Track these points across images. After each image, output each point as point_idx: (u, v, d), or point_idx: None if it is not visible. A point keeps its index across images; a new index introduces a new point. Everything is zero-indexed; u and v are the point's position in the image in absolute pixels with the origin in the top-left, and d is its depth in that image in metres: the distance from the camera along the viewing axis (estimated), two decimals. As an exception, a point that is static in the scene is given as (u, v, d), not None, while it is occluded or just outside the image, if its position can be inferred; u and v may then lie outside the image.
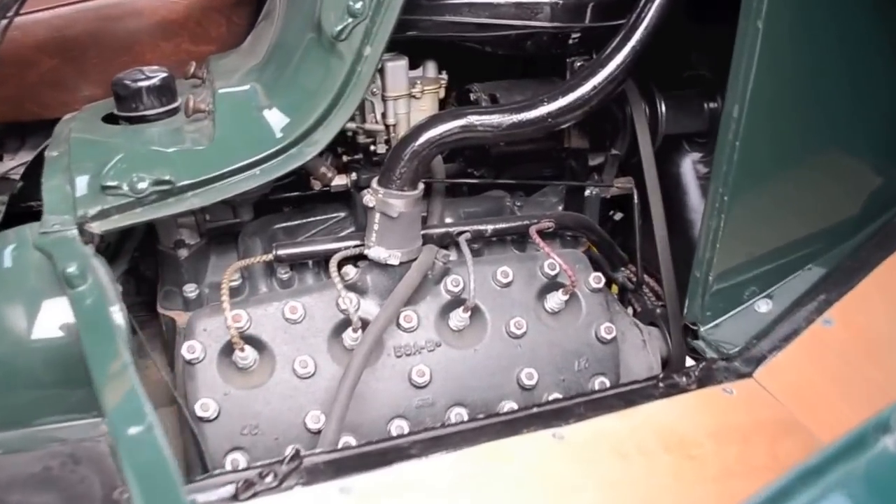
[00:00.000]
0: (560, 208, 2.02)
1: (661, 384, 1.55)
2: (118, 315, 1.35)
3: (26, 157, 2.19)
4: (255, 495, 1.29)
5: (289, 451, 1.34)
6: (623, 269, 2.00)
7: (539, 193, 2.05)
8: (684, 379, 1.56)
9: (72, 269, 1.30)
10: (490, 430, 1.43)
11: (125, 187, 1.49)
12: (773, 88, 1.53)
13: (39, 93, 2.07)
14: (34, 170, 1.96)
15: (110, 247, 1.78)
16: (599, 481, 1.34)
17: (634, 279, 1.98)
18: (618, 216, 2.21)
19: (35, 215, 1.91)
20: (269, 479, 1.31)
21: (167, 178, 1.49)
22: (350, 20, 1.46)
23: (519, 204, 1.98)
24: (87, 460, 1.37)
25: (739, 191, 1.59)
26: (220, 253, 1.85)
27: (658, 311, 1.94)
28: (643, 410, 1.48)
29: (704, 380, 1.56)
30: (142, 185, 1.49)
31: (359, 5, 1.44)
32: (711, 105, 1.96)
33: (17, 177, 2.12)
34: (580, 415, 1.47)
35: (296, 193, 1.88)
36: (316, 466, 1.35)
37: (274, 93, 1.59)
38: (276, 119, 1.57)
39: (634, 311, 2.02)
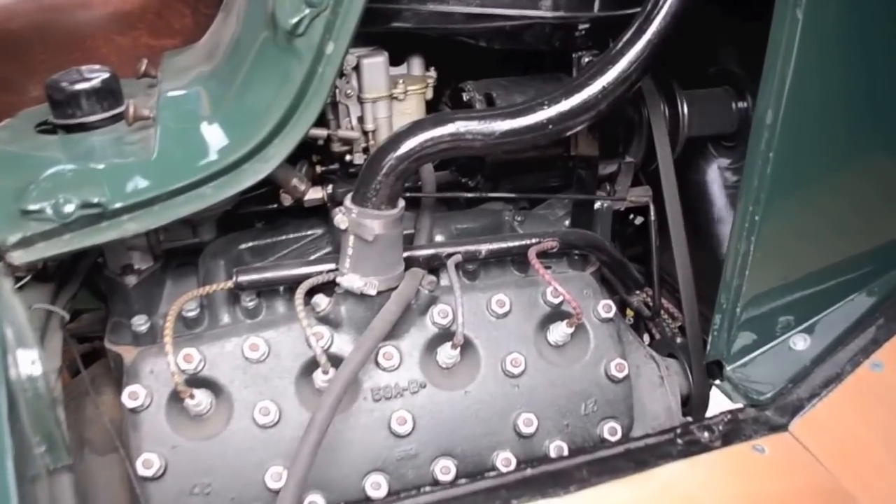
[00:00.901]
0: (566, 223, 1.74)
1: (679, 440, 1.29)
2: (28, 368, 1.12)
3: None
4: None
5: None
6: (639, 292, 1.73)
7: (543, 206, 1.77)
8: (707, 434, 1.30)
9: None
10: (476, 500, 1.18)
11: (49, 211, 1.24)
12: (814, 90, 1.28)
13: (-19, 94, 1.82)
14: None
15: (62, 266, 1.54)
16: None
17: (651, 304, 1.71)
18: (638, 220, 1.93)
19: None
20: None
21: (96, 200, 1.24)
22: (307, 11, 1.19)
23: (520, 218, 1.70)
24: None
25: (773, 210, 1.33)
26: (178, 278, 1.59)
27: (679, 340, 1.67)
28: (659, 476, 1.22)
29: (731, 435, 1.30)
30: (68, 209, 1.24)
31: (317, -7, 1.18)
32: (741, 104, 1.69)
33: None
34: (583, 480, 1.22)
35: (266, 208, 1.63)
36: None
37: (221, 101, 1.33)
38: (216, 135, 1.30)
39: (651, 339, 1.75)
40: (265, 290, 1.51)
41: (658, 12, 1.33)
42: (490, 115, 1.35)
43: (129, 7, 1.81)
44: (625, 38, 1.36)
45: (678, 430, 1.30)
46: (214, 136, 1.29)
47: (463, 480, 1.26)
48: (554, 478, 1.22)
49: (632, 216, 1.93)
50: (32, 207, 1.23)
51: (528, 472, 1.24)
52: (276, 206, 1.58)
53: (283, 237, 1.63)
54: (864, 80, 1.29)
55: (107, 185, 1.26)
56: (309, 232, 1.64)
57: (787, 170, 1.31)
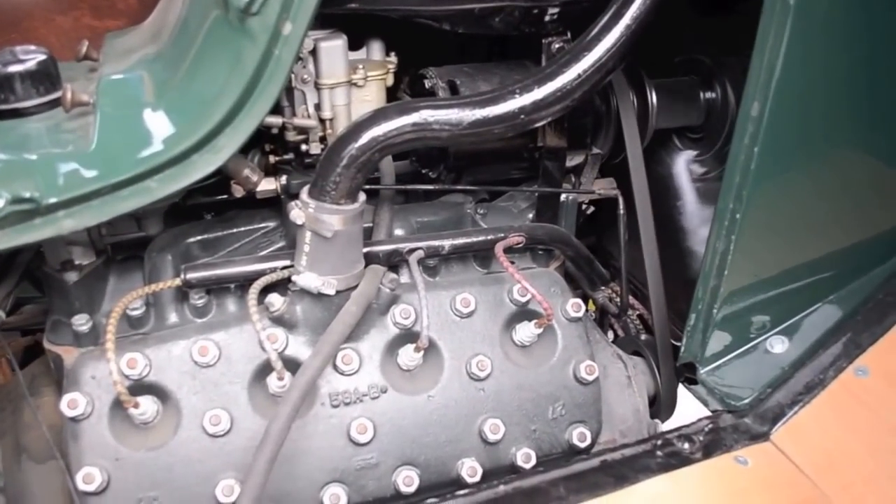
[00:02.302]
0: (530, 216, 1.57)
1: (658, 452, 1.14)
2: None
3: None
4: None
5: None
6: (604, 288, 1.57)
7: (504, 198, 1.59)
8: (687, 445, 1.15)
9: None
10: (444, 523, 1.02)
11: None
12: (804, 82, 1.12)
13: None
14: None
15: (-1, 260, 1.33)
16: None
17: (618, 300, 1.55)
18: (590, 210, 1.76)
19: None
20: None
21: (28, 195, 1.04)
22: (262, -13, 1.00)
23: (482, 211, 1.53)
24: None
25: (755, 207, 1.19)
26: (122, 273, 1.39)
27: (643, 337, 1.52)
28: (640, 492, 1.07)
29: (711, 445, 1.15)
30: (-4, 203, 1.03)
31: (273, -32, 0.99)
32: (709, 95, 1.54)
33: None
34: (561, 498, 1.07)
35: (216, 199, 1.43)
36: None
37: (167, 86, 1.12)
38: (161, 123, 1.09)
39: (615, 336, 1.59)
40: (215, 288, 1.32)
41: (636, -4, 1.17)
42: (458, 104, 1.18)
43: (69, -15, 1.58)
44: (601, 23, 1.19)
45: (657, 442, 1.15)
46: (159, 125, 1.09)
47: (432, 500, 1.08)
48: (529, 496, 1.06)
49: (584, 206, 1.76)
50: (-43, 202, 1.03)
51: (501, 488, 1.08)
52: (226, 197, 1.39)
53: (234, 230, 1.43)
54: (855, 74, 1.15)
55: (40, 177, 1.06)
56: (261, 225, 1.45)
57: (772, 165, 1.16)
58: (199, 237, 1.41)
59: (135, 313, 1.29)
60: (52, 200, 1.06)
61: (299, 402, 1.13)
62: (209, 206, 1.46)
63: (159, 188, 1.08)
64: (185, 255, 1.38)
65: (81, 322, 1.30)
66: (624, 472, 1.10)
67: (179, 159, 1.07)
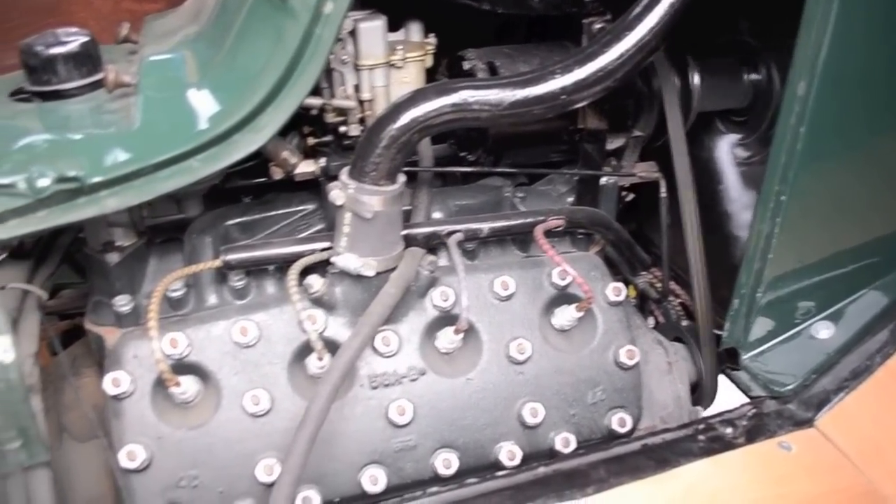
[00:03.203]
0: (569, 200, 1.58)
1: (700, 437, 1.15)
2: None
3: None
4: None
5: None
6: (644, 273, 1.57)
7: (544, 181, 1.60)
8: (730, 430, 1.16)
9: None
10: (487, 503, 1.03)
11: (22, 185, 1.06)
12: (852, 60, 1.12)
13: (-48, 62, 1.62)
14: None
15: (40, 242, 1.37)
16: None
17: (659, 286, 1.55)
18: (629, 198, 1.76)
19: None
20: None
21: (73, 174, 1.07)
22: (304, -35, 1.02)
23: (521, 195, 1.54)
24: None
25: (801, 189, 1.19)
26: (163, 255, 1.42)
27: (684, 323, 1.52)
28: (682, 476, 1.08)
29: (755, 431, 1.16)
30: (42, 183, 1.06)
31: (315, -52, 1.01)
32: (753, 77, 1.52)
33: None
34: (601, 480, 1.07)
35: (255, 181, 1.45)
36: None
37: (209, 65, 1.15)
38: (216, 93, 1.12)
39: (656, 322, 1.60)
40: (254, 270, 1.35)
41: (682, -27, 1.17)
42: (499, 84, 1.19)
43: (111, -31, 1.62)
44: (644, 2, 1.19)
45: (699, 426, 1.15)
46: (202, 104, 1.12)
47: (472, 480, 1.10)
48: (569, 478, 1.07)
49: (623, 193, 1.76)
50: (3, 181, 1.06)
51: (541, 470, 1.09)
52: (265, 180, 1.41)
53: (273, 213, 1.46)
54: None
55: (85, 157, 1.09)
56: (299, 207, 1.47)
57: (818, 147, 1.16)
58: (237, 220, 1.43)
59: (175, 294, 1.32)
60: (96, 180, 1.09)
61: (339, 382, 1.15)
62: (247, 189, 1.49)
63: (201, 168, 1.11)
64: (224, 238, 1.40)
65: (123, 303, 1.34)
66: (665, 455, 1.11)
67: (222, 139, 1.09)
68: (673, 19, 1.18)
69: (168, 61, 1.17)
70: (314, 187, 1.46)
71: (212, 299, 1.36)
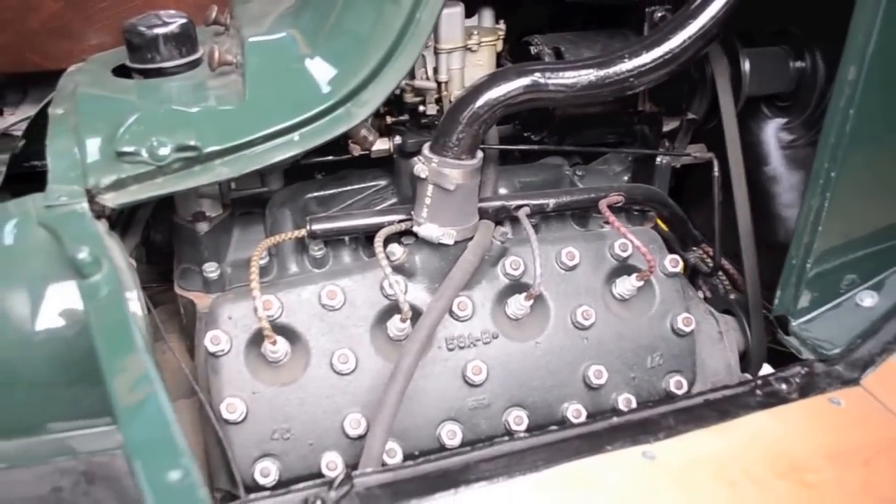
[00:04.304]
0: (624, 178, 1.76)
1: (758, 391, 1.31)
2: (136, 307, 1.11)
3: (29, 111, 1.93)
4: (302, 528, 1.06)
5: (340, 473, 1.10)
6: (695, 248, 1.74)
7: (600, 161, 1.78)
8: (784, 386, 1.32)
9: (83, 255, 1.05)
10: (569, 448, 1.19)
11: (144, 153, 1.23)
12: (898, 49, 1.28)
13: (41, 41, 1.81)
14: (37, 126, 1.69)
15: (122, 216, 1.53)
16: (706, 517, 1.11)
17: (710, 261, 1.72)
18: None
19: (39, 177, 1.66)
20: (317, 508, 1.08)
21: (192, 143, 1.23)
22: (410, -45, 1.19)
23: (580, 173, 1.71)
24: (103, 480, 1.14)
25: (849, 166, 1.35)
26: (245, 226, 1.59)
27: (733, 297, 1.69)
28: (743, 425, 1.24)
29: (807, 388, 1.32)
30: (163, 151, 1.23)
31: (421, -66, 1.18)
32: (798, 64, 1.69)
33: (20, 133, 1.85)
34: (670, 428, 1.23)
35: (330, 158, 1.62)
36: (369, 491, 1.12)
37: (316, 40, 1.32)
38: (321, 70, 1.29)
39: (705, 296, 1.77)
40: (332, 241, 1.51)
41: (741, -33, 1.34)
42: (572, 67, 1.35)
43: (197, -50, 1.78)
44: (706, -8, 1.36)
45: (757, 382, 1.32)
46: (308, 81, 1.29)
47: (553, 428, 1.26)
48: (641, 425, 1.23)
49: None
50: (127, 149, 1.23)
51: (615, 420, 1.25)
52: (346, 156, 1.57)
53: (348, 188, 1.63)
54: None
55: (200, 128, 1.26)
56: (372, 183, 1.64)
57: (866, 128, 1.32)
58: (315, 193, 1.61)
59: (261, 262, 1.49)
60: (211, 149, 1.26)
61: (426, 339, 1.32)
62: (321, 165, 1.66)
63: (307, 139, 1.28)
64: (303, 210, 1.57)
65: (212, 269, 1.51)
66: (727, 408, 1.27)
67: (326, 112, 1.26)
68: (732, 9, 1.35)
69: (272, 41, 1.34)
70: (384, 164, 1.63)
71: (293, 268, 1.52)
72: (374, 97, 1.27)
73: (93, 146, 1.26)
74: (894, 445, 1.22)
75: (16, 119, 1.93)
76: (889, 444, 1.21)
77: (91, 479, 1.15)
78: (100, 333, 1.01)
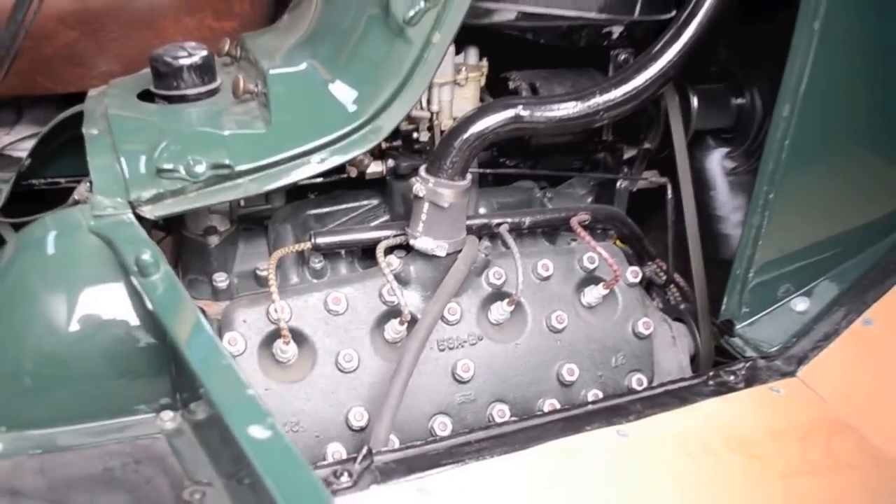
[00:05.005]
0: (589, 200, 2.03)
1: (710, 382, 1.57)
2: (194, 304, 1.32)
3: (23, 132, 2.10)
4: (333, 493, 1.27)
5: (363, 450, 1.33)
6: (650, 262, 2.02)
7: (566, 185, 2.04)
8: (732, 378, 1.58)
9: (146, 256, 1.25)
10: (554, 428, 1.44)
11: (182, 170, 1.44)
12: (825, 89, 1.56)
13: (54, 66, 1.99)
14: (44, 146, 1.89)
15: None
16: (672, 481, 1.35)
17: (663, 275, 2.00)
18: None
19: (36, 195, 1.86)
20: (344, 478, 1.29)
21: (226, 161, 1.45)
22: (423, 5, 1.43)
23: (549, 195, 1.97)
24: (149, 460, 1.32)
25: (784, 190, 1.62)
26: (248, 240, 1.80)
27: (682, 307, 1.96)
28: (699, 409, 1.50)
29: (751, 379, 1.58)
30: (199, 169, 1.44)
31: (433, -9, 1.42)
32: (738, 101, 1.98)
33: (22, 154, 2.03)
34: (638, 412, 1.48)
35: (328, 179, 1.84)
36: (387, 465, 1.34)
37: (335, 69, 1.56)
38: (344, 93, 1.54)
39: (659, 306, 2.04)
40: (330, 254, 1.73)
41: (694, 18, 1.60)
42: (550, 102, 1.60)
43: (200, -10, 2.01)
44: (664, 40, 1.62)
45: (709, 374, 1.58)
46: (335, 99, 1.54)
47: (553, 402, 1.53)
48: (613, 410, 1.48)
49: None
50: (166, 166, 1.43)
51: (590, 406, 1.50)
52: (343, 177, 1.80)
53: (343, 206, 1.85)
54: (863, 82, 1.59)
55: (231, 149, 1.47)
56: (365, 202, 1.86)
57: (799, 156, 1.59)
58: (313, 211, 1.82)
59: (263, 273, 1.69)
60: (242, 168, 1.47)
61: (426, 337, 1.53)
62: (315, 185, 1.88)
63: (326, 161, 1.50)
64: (303, 226, 1.78)
65: (221, 279, 1.71)
66: (685, 395, 1.52)
67: (344, 137, 1.49)
68: (688, 55, 1.62)
69: (295, 73, 1.57)
70: (376, 185, 1.86)
71: (293, 278, 1.73)
72: (387, 124, 1.51)
73: (133, 163, 1.47)
74: (824, 424, 1.49)
75: (11, 140, 2.10)
76: (820, 424, 1.48)
77: (138, 459, 1.33)
78: (170, 322, 1.21)
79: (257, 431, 1.05)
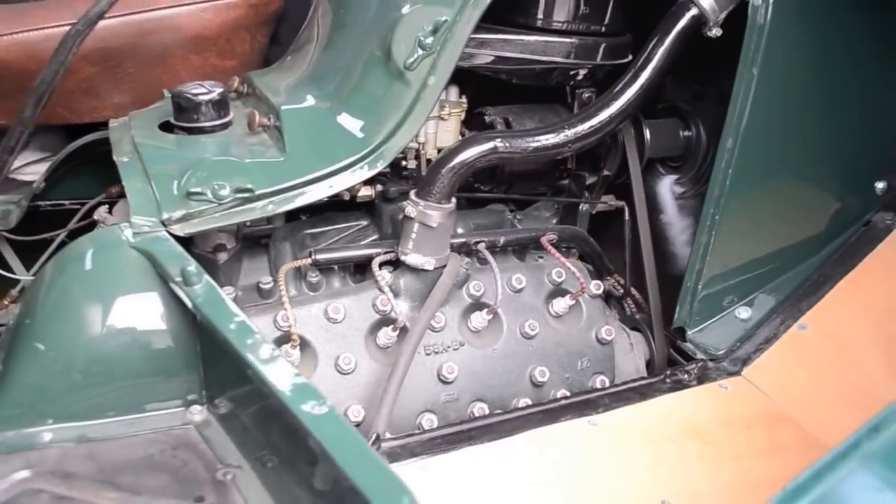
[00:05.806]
0: (554, 221, 2.31)
1: (667, 380, 1.85)
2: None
3: (30, 157, 2.31)
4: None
5: (371, 437, 1.57)
6: (609, 277, 2.29)
7: (533, 208, 2.32)
8: (686, 376, 1.86)
9: (191, 267, 1.47)
10: (534, 419, 1.70)
11: (209, 193, 1.67)
12: (763, 125, 1.85)
13: (73, 99, 2.20)
14: (60, 171, 2.10)
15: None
16: (638, 463, 1.62)
17: (621, 288, 2.28)
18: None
19: (45, 215, 2.08)
20: (357, 459, 1.53)
21: (248, 186, 1.69)
22: (420, 52, 1.70)
23: (519, 217, 2.25)
24: (183, 446, 1.54)
25: (729, 212, 1.91)
26: (251, 257, 2.04)
27: (638, 316, 2.24)
28: (659, 403, 1.77)
29: (702, 377, 1.87)
30: (224, 192, 1.67)
31: (429, 40, 1.69)
32: (686, 133, 2.27)
33: (26, 177, 2.24)
34: (606, 405, 1.75)
35: (320, 201, 2.08)
36: (392, 450, 1.59)
37: (339, 102, 1.82)
38: (351, 123, 1.80)
39: (617, 316, 2.32)
40: (325, 269, 1.97)
41: (649, 63, 1.88)
42: (525, 135, 1.87)
43: (208, 32, 2.24)
44: (624, 81, 1.90)
45: (666, 373, 1.86)
46: (344, 130, 1.80)
47: (526, 401, 1.80)
48: (584, 404, 1.75)
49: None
50: (195, 190, 1.66)
51: (563, 401, 1.77)
52: (337, 199, 2.03)
53: (335, 226, 2.09)
54: (799, 120, 1.89)
55: (252, 174, 1.71)
56: (355, 223, 2.11)
57: (741, 182, 1.87)
58: (309, 230, 2.06)
59: (265, 287, 1.93)
60: (261, 191, 1.71)
61: (418, 341, 1.78)
62: (309, 208, 2.12)
63: (335, 186, 1.76)
64: (300, 244, 2.02)
65: (229, 292, 1.94)
66: (645, 391, 1.80)
67: (353, 165, 1.75)
68: (645, 94, 1.89)
69: (304, 108, 1.83)
70: (366, 207, 2.11)
71: (291, 291, 1.96)
72: (387, 153, 1.77)
73: (163, 186, 1.69)
74: (766, 415, 1.77)
75: (20, 164, 2.30)
76: (763, 415, 1.77)
77: (174, 446, 1.55)
78: (219, 323, 1.43)
79: (315, 408, 1.26)
